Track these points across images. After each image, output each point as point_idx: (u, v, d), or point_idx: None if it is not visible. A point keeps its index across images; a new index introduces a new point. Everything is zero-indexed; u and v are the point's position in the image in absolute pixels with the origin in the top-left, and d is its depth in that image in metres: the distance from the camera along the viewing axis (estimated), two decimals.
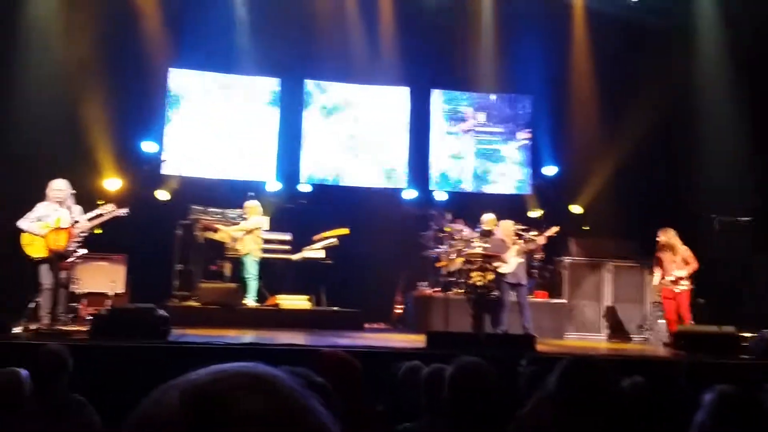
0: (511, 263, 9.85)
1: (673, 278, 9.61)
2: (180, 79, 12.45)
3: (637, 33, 12.38)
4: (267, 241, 11.12)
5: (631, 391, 3.76)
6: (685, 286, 9.58)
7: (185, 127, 12.42)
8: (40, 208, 8.14)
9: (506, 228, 10.17)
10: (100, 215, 8.40)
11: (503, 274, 9.90)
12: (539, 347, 7.60)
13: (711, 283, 10.75)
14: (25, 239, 8.02)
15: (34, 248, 8.01)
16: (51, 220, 8.02)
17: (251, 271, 10.64)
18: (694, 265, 9.61)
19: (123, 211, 8.51)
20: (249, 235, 10.70)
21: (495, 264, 9.90)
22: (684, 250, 9.71)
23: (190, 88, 12.50)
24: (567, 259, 11.13)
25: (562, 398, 2.43)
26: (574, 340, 10.19)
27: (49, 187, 8.20)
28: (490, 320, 9.83)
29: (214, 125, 12.54)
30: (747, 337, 8.26)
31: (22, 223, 8.04)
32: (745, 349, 7.96)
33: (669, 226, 10.20)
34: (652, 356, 8.29)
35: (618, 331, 10.91)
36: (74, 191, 8.32)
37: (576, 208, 12.60)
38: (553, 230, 10.07)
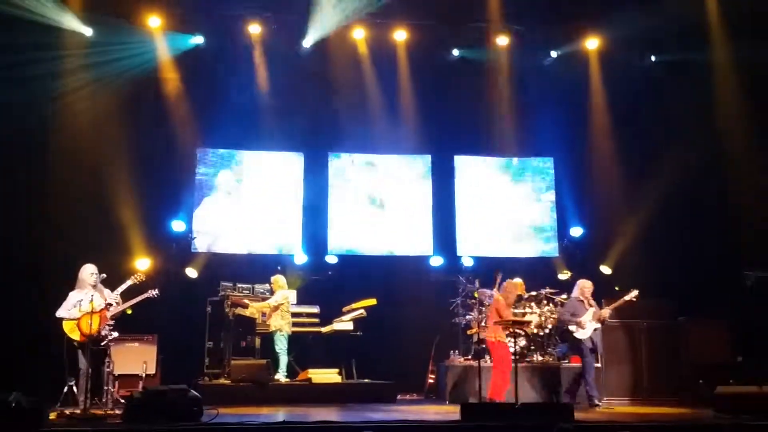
0: (588, 328, 9.59)
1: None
2: (207, 157, 12.73)
3: (657, 90, 12.47)
4: (295, 315, 11.16)
5: None
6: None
7: (213, 203, 12.63)
8: (74, 296, 8.39)
9: (584, 287, 9.88)
10: (135, 296, 8.59)
11: (580, 340, 9.62)
12: (577, 415, 7.45)
13: (747, 340, 10.55)
14: (67, 326, 8.39)
15: (77, 334, 8.26)
16: (85, 304, 8.19)
17: (280, 347, 10.66)
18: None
19: (153, 293, 8.65)
20: (276, 311, 10.74)
21: (570, 328, 9.62)
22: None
23: (217, 166, 12.78)
24: None
25: None
26: (611, 405, 9.94)
27: (81, 272, 8.47)
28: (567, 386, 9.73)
29: (241, 201, 12.73)
30: None
31: (60, 312, 8.33)
32: None
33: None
34: (694, 421, 8.06)
35: (657, 392, 10.65)
36: (104, 275, 8.53)
37: (605, 269, 12.48)
38: (633, 294, 9.76)
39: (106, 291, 8.61)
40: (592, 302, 9.82)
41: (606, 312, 9.71)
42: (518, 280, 11.43)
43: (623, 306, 9.83)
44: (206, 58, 12.20)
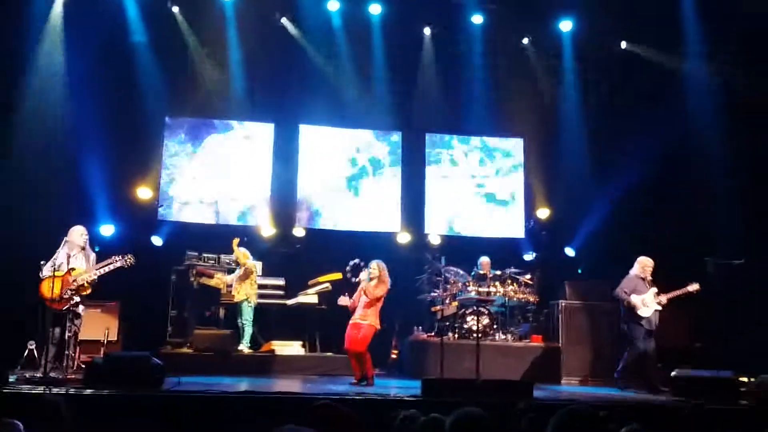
0: (650, 308, 9.37)
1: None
2: (176, 126, 12.55)
3: (629, 76, 12.56)
4: (261, 286, 11.11)
5: None
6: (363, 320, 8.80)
7: (182, 172, 12.46)
8: (60, 255, 8.27)
9: (645, 265, 9.67)
10: (108, 265, 8.46)
11: (639, 318, 9.39)
12: (536, 393, 7.56)
13: (706, 326, 10.74)
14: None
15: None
16: (63, 267, 8.12)
17: (246, 317, 10.61)
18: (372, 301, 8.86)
19: (129, 260, 8.52)
20: (244, 281, 10.68)
21: (632, 304, 9.39)
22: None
23: (186, 135, 12.61)
24: (562, 302, 11.09)
25: None
26: (571, 384, 10.10)
27: (71, 233, 8.36)
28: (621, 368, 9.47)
29: (210, 171, 12.59)
30: (745, 381, 8.22)
31: (45, 270, 8.21)
32: (744, 395, 7.92)
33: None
34: (651, 402, 8.23)
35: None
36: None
37: (570, 251, 12.62)
38: (694, 287, 9.57)
39: (93, 256, 8.51)
40: (651, 281, 9.61)
41: (663, 299, 9.53)
42: (485, 259, 11.53)
43: (681, 296, 9.66)
44: (177, 25, 11.98)
